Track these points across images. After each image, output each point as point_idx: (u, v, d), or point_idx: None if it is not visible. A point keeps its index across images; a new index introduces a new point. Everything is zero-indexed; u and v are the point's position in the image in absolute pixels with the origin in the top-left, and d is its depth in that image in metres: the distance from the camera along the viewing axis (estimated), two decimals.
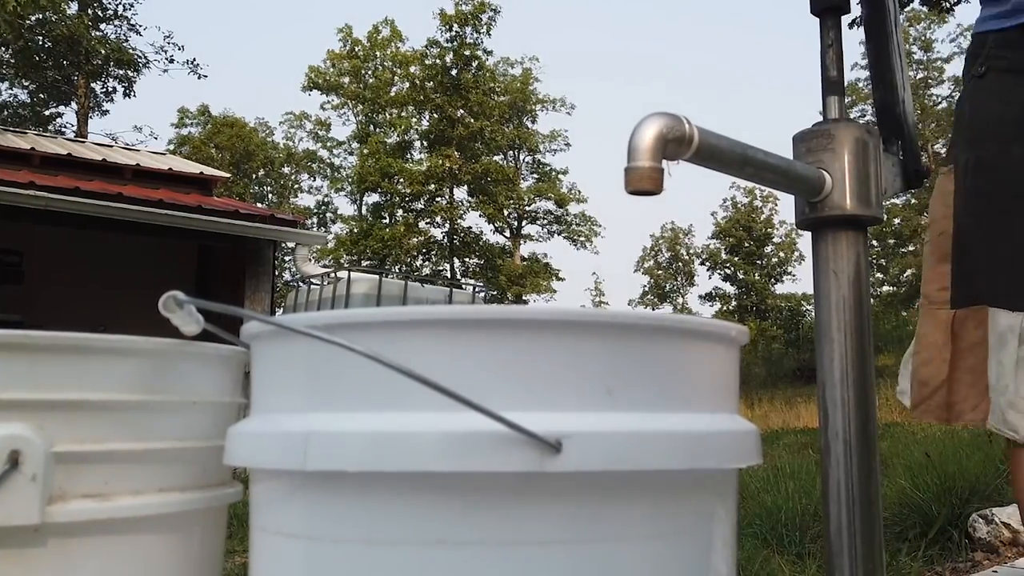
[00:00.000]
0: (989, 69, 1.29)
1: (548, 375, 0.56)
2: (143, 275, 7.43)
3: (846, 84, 1.00)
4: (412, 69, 27.53)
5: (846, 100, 1.00)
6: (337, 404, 0.58)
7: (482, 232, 28.17)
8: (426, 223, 27.53)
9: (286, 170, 31.55)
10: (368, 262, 24.88)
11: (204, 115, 30.75)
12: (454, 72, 26.46)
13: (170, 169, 9.05)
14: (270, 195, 31.16)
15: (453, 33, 26.44)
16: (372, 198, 27.94)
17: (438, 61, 26.70)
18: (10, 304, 7.13)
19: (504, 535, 0.55)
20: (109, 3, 20.44)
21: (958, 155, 1.32)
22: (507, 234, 28.39)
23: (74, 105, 22.30)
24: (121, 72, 21.11)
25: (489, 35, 26.71)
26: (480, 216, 27.55)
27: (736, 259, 30.80)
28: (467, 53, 26.41)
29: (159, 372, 0.82)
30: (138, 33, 21.18)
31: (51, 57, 20.02)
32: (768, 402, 12.59)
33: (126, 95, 21.36)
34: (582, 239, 28.40)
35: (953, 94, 29.52)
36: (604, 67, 53.06)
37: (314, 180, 31.60)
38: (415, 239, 26.74)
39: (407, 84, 27.55)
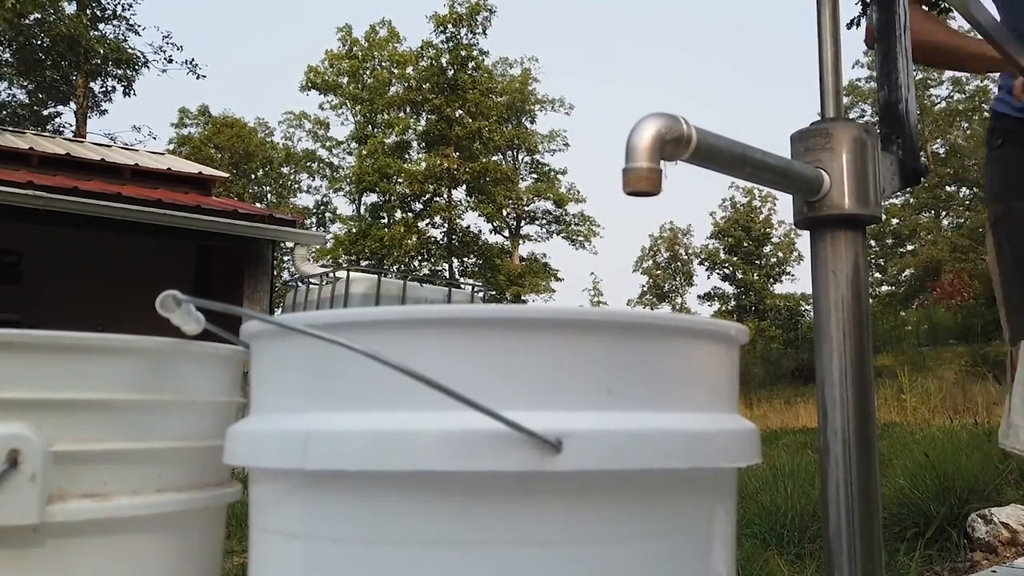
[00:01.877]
0: (1005, 142, 1.64)
1: (548, 374, 0.56)
2: (142, 275, 7.43)
3: (845, 84, 1.01)
4: (408, 71, 27.53)
5: (845, 100, 1.00)
6: (337, 403, 0.58)
7: (481, 232, 28.19)
8: (425, 223, 27.53)
9: (285, 170, 31.54)
10: (367, 262, 24.88)
11: (204, 115, 30.75)
12: (450, 73, 26.46)
13: (169, 169, 9.05)
14: (269, 195, 31.15)
15: (448, 35, 26.46)
16: (371, 198, 27.96)
17: (433, 63, 26.71)
18: (9, 304, 7.13)
19: (504, 535, 0.55)
20: (108, 3, 20.45)
21: (989, 209, 1.64)
22: (506, 234, 28.40)
23: (72, 105, 22.30)
24: (120, 72, 21.10)
25: (485, 35, 26.74)
26: (479, 216, 27.57)
27: (735, 259, 30.81)
28: (463, 53, 26.41)
29: (158, 371, 0.82)
30: (137, 33, 21.23)
31: (50, 56, 20.01)
32: (767, 402, 12.60)
33: (126, 94, 21.36)
34: (581, 239, 28.42)
35: (952, 95, 29.59)
36: (603, 67, 53.10)
37: (313, 180, 31.63)
38: (413, 239, 26.74)
39: (404, 86, 27.56)
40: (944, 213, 30.10)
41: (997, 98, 1.72)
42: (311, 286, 5.61)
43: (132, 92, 21.30)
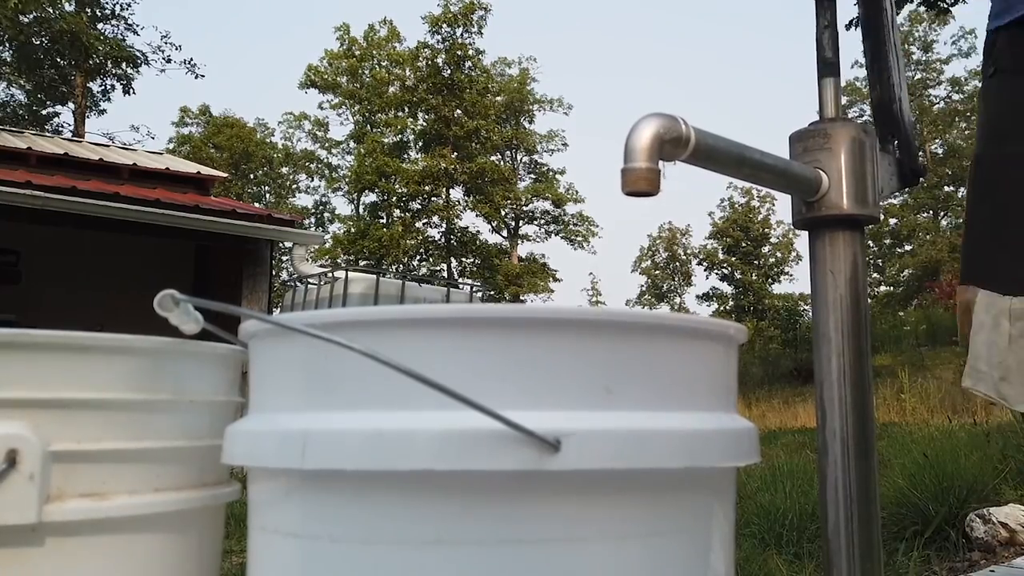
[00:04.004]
0: (997, 69, 1.27)
1: (547, 374, 0.56)
2: (140, 275, 7.44)
3: (845, 84, 1.01)
4: (405, 71, 27.54)
5: (844, 100, 1.00)
6: (335, 403, 0.58)
7: (479, 232, 28.19)
8: (423, 223, 27.53)
9: (284, 170, 31.54)
10: (365, 262, 24.86)
11: (204, 115, 30.74)
12: (447, 72, 26.45)
13: (167, 169, 9.03)
14: (268, 195, 31.14)
15: (443, 34, 26.45)
16: (369, 198, 27.95)
17: (429, 63, 26.70)
18: (7, 304, 7.13)
19: (502, 534, 0.54)
20: (107, 2, 20.44)
21: (974, 150, 1.32)
22: (504, 234, 28.40)
23: (71, 105, 22.27)
24: (120, 71, 21.09)
25: (481, 34, 26.75)
26: (477, 216, 27.57)
27: (733, 259, 30.82)
28: (459, 53, 26.41)
29: (156, 371, 0.82)
30: (135, 33, 21.19)
31: (50, 55, 20.00)
32: (765, 402, 12.61)
33: (126, 92, 21.33)
34: (579, 239, 28.43)
35: (951, 96, 29.61)
36: (602, 66, 53.09)
37: (312, 180, 31.61)
38: (412, 239, 26.73)
39: (400, 86, 27.55)
40: (943, 213, 30.10)
41: (990, 14, 1.34)
42: (310, 286, 5.61)
43: (132, 91, 21.29)
